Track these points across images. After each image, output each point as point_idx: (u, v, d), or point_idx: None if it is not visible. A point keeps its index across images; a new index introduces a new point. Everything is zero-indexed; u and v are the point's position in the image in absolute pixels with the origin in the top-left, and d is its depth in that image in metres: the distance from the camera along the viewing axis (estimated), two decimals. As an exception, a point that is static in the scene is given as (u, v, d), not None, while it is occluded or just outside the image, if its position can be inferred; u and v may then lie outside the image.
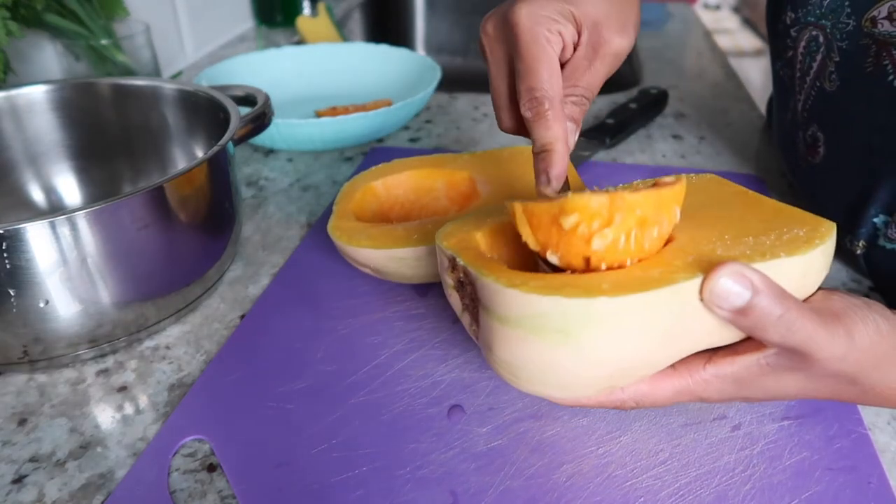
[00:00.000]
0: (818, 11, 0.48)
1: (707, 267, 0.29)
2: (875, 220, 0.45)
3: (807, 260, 0.31)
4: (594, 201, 0.29)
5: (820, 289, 0.33)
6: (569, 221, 0.29)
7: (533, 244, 0.31)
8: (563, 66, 0.37)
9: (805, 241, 0.32)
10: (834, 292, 0.33)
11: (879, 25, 0.43)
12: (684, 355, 0.32)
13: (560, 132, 0.35)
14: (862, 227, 0.46)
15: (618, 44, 0.37)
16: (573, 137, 0.36)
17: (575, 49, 0.38)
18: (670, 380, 0.32)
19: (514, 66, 0.36)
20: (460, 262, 0.33)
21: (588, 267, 0.31)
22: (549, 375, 0.30)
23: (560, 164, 0.35)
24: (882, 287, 0.47)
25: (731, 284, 0.28)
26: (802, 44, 0.50)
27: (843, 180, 0.48)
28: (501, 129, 0.39)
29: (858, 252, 0.47)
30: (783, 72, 0.54)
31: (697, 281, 0.29)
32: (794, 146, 0.53)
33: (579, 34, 0.37)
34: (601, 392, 0.32)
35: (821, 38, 0.48)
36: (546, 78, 0.35)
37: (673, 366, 0.32)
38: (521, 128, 0.38)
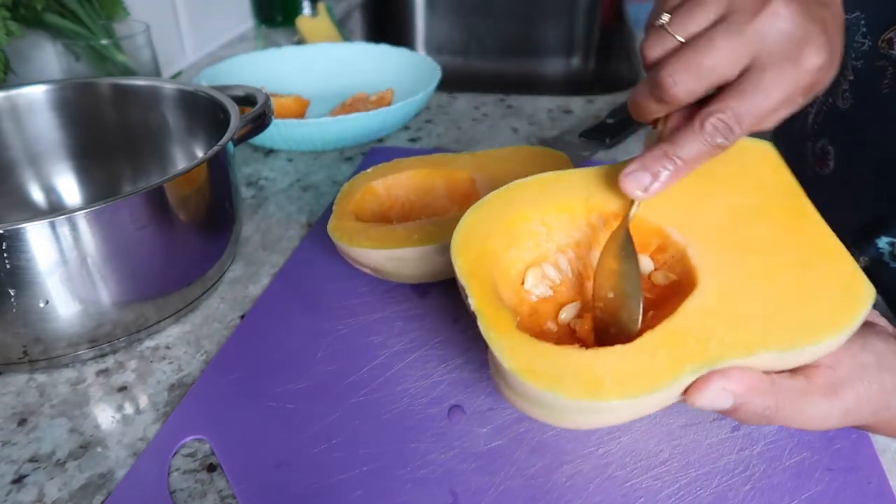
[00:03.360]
0: None
1: (712, 360, 0.28)
2: (878, 241, 0.45)
3: (828, 345, 0.29)
4: None
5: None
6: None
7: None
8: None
9: (831, 323, 0.29)
10: (850, 348, 0.30)
11: None
12: None
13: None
14: (868, 245, 0.46)
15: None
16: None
17: None
18: None
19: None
20: (471, 303, 0.31)
21: None
22: (546, 423, 0.32)
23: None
24: (885, 299, 0.47)
25: (710, 400, 0.28)
26: None
27: (853, 196, 0.47)
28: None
29: (861, 266, 0.46)
30: None
31: (696, 376, 0.29)
32: (802, 156, 0.53)
33: None
34: None
35: None
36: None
37: None
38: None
